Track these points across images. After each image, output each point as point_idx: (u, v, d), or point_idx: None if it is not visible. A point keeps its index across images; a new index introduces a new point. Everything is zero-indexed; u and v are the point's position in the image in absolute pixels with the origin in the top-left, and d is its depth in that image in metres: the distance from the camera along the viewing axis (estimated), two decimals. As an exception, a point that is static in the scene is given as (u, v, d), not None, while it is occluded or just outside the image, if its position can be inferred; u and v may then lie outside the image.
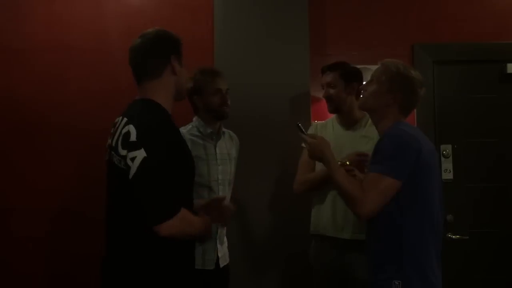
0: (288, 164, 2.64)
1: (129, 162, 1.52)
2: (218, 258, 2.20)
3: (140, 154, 1.51)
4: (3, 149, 2.71)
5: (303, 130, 2.03)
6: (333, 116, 2.46)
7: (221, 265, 2.22)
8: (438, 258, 1.77)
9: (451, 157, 2.89)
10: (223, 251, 2.25)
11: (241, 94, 2.62)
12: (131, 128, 1.56)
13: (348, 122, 2.34)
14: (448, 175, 2.86)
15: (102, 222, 1.81)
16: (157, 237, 1.52)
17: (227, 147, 2.33)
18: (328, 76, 2.36)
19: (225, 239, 2.30)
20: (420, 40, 2.92)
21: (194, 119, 2.31)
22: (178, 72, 1.72)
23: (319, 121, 2.57)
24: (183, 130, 2.25)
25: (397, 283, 1.71)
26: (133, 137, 1.54)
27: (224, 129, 2.36)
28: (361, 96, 1.97)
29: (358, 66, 2.43)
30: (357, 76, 2.37)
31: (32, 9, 2.78)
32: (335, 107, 2.35)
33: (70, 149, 2.71)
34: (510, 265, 2.88)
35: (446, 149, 2.89)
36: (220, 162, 2.25)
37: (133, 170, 1.51)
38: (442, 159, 2.87)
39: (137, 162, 1.50)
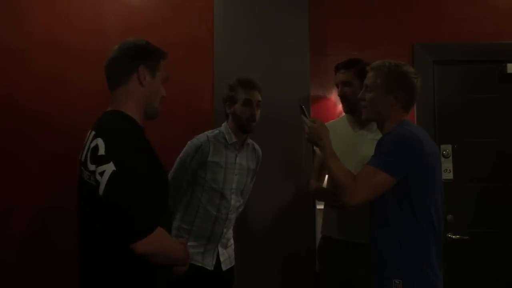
0: (288, 164, 2.64)
1: (98, 177, 1.44)
2: (219, 261, 2.21)
3: (109, 168, 1.43)
4: (3, 149, 2.71)
5: (306, 113, 2.02)
6: (343, 116, 2.42)
7: (224, 268, 2.23)
8: (438, 258, 1.78)
9: (451, 157, 2.88)
10: (226, 255, 2.26)
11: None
12: (99, 142, 1.48)
13: (360, 123, 2.27)
14: (448, 175, 2.86)
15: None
16: (133, 257, 1.45)
17: (247, 159, 2.32)
18: (343, 74, 2.28)
19: (231, 242, 2.32)
20: (420, 40, 2.91)
21: (223, 125, 2.30)
22: (146, 83, 1.62)
23: (330, 121, 2.53)
24: (210, 134, 2.26)
25: (397, 282, 1.71)
26: (101, 151, 1.46)
27: (249, 141, 2.35)
28: (362, 107, 1.92)
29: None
30: None
31: (32, 9, 2.78)
32: (351, 107, 2.27)
33: (70, 149, 2.70)
34: (510, 265, 2.88)
35: (446, 149, 2.89)
36: (238, 172, 2.25)
37: (102, 185, 1.43)
38: (442, 159, 2.87)
39: (106, 176, 1.43)
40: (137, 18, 2.79)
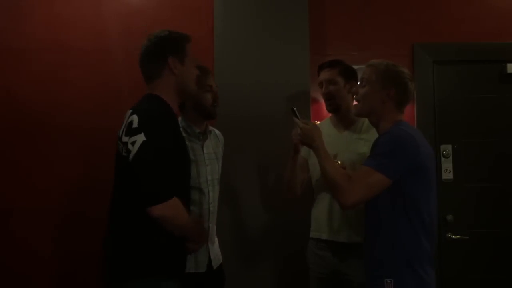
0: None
1: (129, 146, 1.64)
2: (210, 259, 2.14)
3: (140, 138, 1.63)
4: (3, 149, 2.71)
5: (297, 114, 2.03)
6: (328, 118, 2.44)
7: (214, 267, 2.16)
8: (430, 258, 1.78)
9: (451, 157, 2.89)
10: (215, 252, 2.19)
11: (241, 94, 2.63)
12: (134, 117, 1.68)
13: (345, 123, 2.29)
14: (448, 175, 2.86)
15: (103, 222, 1.82)
16: (150, 221, 1.63)
17: (213, 146, 2.27)
18: (327, 73, 2.32)
19: (216, 238, 2.25)
20: (420, 40, 2.91)
21: (180, 119, 2.20)
22: (178, 71, 1.82)
23: (318, 122, 2.55)
24: None
25: (389, 281, 1.72)
26: (135, 124, 1.66)
27: (210, 128, 2.31)
28: (355, 101, 1.93)
29: (358, 66, 2.42)
30: (355, 74, 2.34)
31: (32, 9, 2.78)
32: (336, 105, 2.28)
33: (70, 149, 2.71)
34: (510, 265, 2.88)
35: (446, 149, 2.89)
36: (208, 162, 2.19)
37: (132, 153, 1.63)
38: (442, 159, 2.87)
39: (137, 145, 1.63)
40: (137, 18, 2.79)
